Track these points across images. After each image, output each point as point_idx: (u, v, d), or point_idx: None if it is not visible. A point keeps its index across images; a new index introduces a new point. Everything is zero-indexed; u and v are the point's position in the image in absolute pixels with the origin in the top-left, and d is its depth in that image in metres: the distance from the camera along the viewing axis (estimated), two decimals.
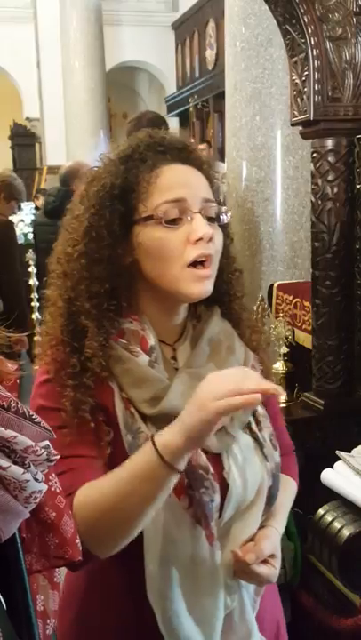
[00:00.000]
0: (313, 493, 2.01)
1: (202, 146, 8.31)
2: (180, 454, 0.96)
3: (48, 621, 0.87)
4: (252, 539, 1.12)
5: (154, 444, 0.96)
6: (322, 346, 2.21)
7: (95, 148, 9.42)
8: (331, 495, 1.88)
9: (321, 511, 1.85)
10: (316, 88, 2.04)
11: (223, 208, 1.16)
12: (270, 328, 2.66)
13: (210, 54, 9.56)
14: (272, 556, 1.11)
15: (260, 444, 1.16)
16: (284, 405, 2.56)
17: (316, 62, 2.03)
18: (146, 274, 1.12)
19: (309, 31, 2.02)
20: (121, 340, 1.11)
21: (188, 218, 1.09)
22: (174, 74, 11.33)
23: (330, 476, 1.87)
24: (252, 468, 1.13)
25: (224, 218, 1.16)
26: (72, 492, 1.02)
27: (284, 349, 2.58)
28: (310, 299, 2.27)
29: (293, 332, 2.59)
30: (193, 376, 1.10)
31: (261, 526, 1.14)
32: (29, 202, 7.81)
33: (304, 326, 2.53)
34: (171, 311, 1.17)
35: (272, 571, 1.10)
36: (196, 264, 1.09)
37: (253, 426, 1.17)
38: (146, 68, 11.94)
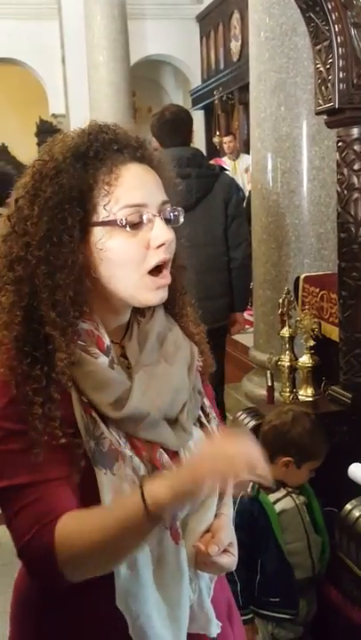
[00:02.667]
0: (341, 488, 1.98)
1: (227, 138, 8.26)
2: (167, 511, 0.97)
3: None
4: (207, 530, 1.12)
5: (144, 500, 0.95)
6: (349, 338, 2.18)
7: None
8: (359, 490, 1.85)
9: (348, 506, 1.83)
10: (341, 76, 2.00)
11: (178, 209, 1.14)
12: (297, 321, 2.63)
13: (235, 46, 9.49)
14: (230, 544, 1.12)
15: (210, 436, 1.17)
16: (311, 399, 2.54)
17: (340, 49, 2.00)
18: (101, 278, 1.09)
19: (333, 18, 1.99)
20: (79, 342, 1.06)
21: (149, 222, 1.07)
22: (199, 67, 11.27)
23: (357, 471, 1.85)
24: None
25: (179, 218, 1.14)
26: (49, 521, 0.99)
27: (311, 342, 2.55)
28: (337, 291, 2.24)
29: (320, 324, 2.56)
30: (149, 375, 1.10)
31: (216, 515, 1.15)
32: None
33: (331, 319, 2.50)
34: (120, 310, 1.15)
35: (232, 559, 1.12)
36: (154, 271, 1.08)
37: (203, 418, 1.19)
38: (170, 62, 11.89)
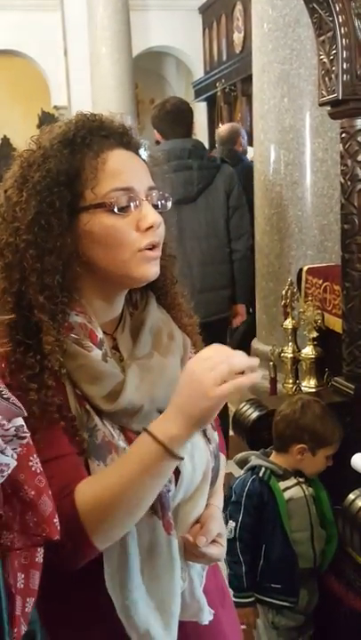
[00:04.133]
0: (344, 479, 1.99)
1: None
2: (185, 443, 0.99)
3: (27, 599, 0.88)
4: (197, 520, 1.13)
5: (157, 439, 0.97)
6: (352, 330, 2.19)
7: None
8: None
9: (351, 496, 1.84)
10: (345, 67, 2.00)
11: (165, 195, 1.14)
12: (300, 312, 2.63)
13: (237, 37, 9.45)
14: (219, 534, 1.14)
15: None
16: (314, 390, 2.54)
17: (344, 40, 1.99)
18: (92, 261, 1.09)
19: (337, 9, 1.98)
20: (72, 334, 1.07)
21: (137, 205, 1.08)
22: (202, 58, 11.23)
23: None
24: (199, 451, 1.14)
25: (166, 205, 1.15)
26: (66, 494, 1.00)
27: (314, 334, 2.55)
28: (340, 282, 2.25)
29: (323, 316, 2.56)
30: (143, 368, 1.10)
31: (206, 505, 1.16)
32: None
33: (334, 310, 2.50)
34: (112, 300, 1.15)
35: (221, 549, 1.14)
36: (145, 248, 1.09)
37: None
38: (173, 53, 11.85)
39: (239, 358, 0.97)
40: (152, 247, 1.10)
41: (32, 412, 1.00)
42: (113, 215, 1.07)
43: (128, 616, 1.07)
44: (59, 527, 0.87)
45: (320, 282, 2.66)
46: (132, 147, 1.14)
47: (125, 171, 1.09)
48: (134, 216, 1.08)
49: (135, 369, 1.10)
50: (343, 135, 2.13)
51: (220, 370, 0.95)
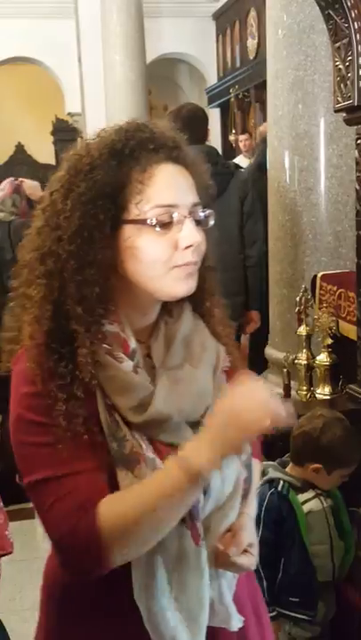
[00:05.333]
0: (359, 488, 1.98)
1: (243, 136, 8.24)
2: (208, 471, 1.00)
3: None
4: (229, 529, 1.13)
5: (187, 468, 0.98)
6: None
7: None
8: None
9: None
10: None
11: (208, 211, 1.14)
12: (314, 319, 2.62)
13: (251, 43, 9.47)
14: (250, 544, 1.13)
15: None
16: (328, 398, 2.53)
17: (360, 47, 1.99)
18: (129, 274, 1.09)
19: (353, 15, 1.98)
20: (104, 345, 1.07)
21: (178, 223, 1.07)
22: (215, 64, 11.26)
23: None
24: (228, 462, 1.12)
25: (209, 221, 1.14)
26: (89, 507, 1.02)
27: (329, 341, 2.54)
28: (355, 289, 2.24)
29: (338, 323, 2.55)
30: (173, 379, 1.10)
31: (238, 514, 1.16)
32: None
33: (349, 317, 2.49)
34: (147, 309, 1.15)
35: (251, 559, 1.13)
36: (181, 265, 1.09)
37: None
38: (186, 60, 11.88)
39: (278, 406, 0.98)
40: (188, 264, 1.09)
41: (58, 422, 1.03)
42: (153, 232, 1.06)
43: (155, 625, 1.07)
44: (11, 540, 0.89)
45: (334, 288, 2.65)
46: (181, 161, 1.12)
47: (170, 187, 1.08)
48: (174, 233, 1.08)
49: (165, 380, 1.10)
50: (358, 141, 2.12)
51: (258, 415, 0.97)
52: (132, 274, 1.09)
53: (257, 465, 1.29)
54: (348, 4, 1.97)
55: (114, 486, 1.04)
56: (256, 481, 1.28)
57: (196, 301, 1.19)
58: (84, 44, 10.33)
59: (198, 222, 1.11)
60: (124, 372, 1.07)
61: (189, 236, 1.07)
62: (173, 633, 1.07)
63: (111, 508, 1.01)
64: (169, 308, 1.18)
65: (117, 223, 1.07)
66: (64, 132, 12.09)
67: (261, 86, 6.66)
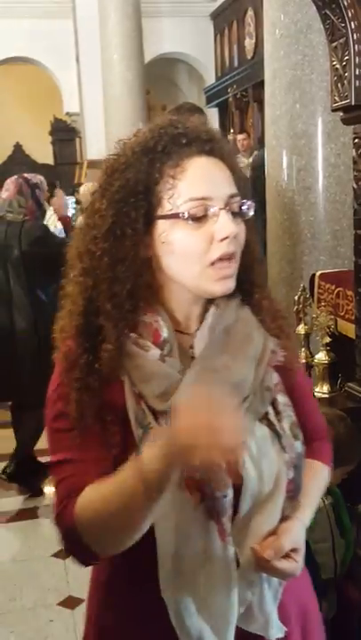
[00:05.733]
0: (359, 485, 1.99)
1: (241, 136, 8.25)
2: (161, 476, 0.95)
3: None
4: (274, 532, 1.09)
5: (140, 474, 0.95)
6: None
7: None
8: None
9: None
10: (358, 72, 2.00)
11: (248, 202, 1.12)
12: (312, 318, 2.63)
13: (249, 43, 9.48)
14: (294, 549, 1.08)
15: (278, 435, 1.12)
16: (327, 396, 2.54)
17: (356, 46, 1.99)
18: (164, 269, 1.10)
19: (349, 15, 1.98)
20: (132, 334, 1.08)
21: (214, 216, 1.07)
22: (213, 64, 11.27)
23: None
24: (268, 460, 1.10)
25: (249, 212, 1.12)
26: (73, 497, 1.04)
27: (327, 339, 2.55)
28: (353, 287, 2.24)
29: (336, 321, 2.55)
30: (205, 368, 1.08)
31: (286, 518, 1.12)
32: (70, 196, 7.87)
33: (347, 316, 2.49)
34: (192, 301, 1.14)
35: (293, 565, 1.08)
36: (218, 262, 1.07)
37: (272, 416, 1.13)
38: (185, 60, 11.90)
39: (229, 432, 0.90)
40: (227, 259, 1.07)
41: (71, 410, 1.07)
42: (187, 226, 1.06)
43: (181, 621, 1.07)
44: None
45: (333, 287, 2.65)
46: (217, 153, 1.10)
47: (203, 180, 1.07)
48: (210, 227, 1.06)
49: (195, 369, 1.08)
50: (356, 140, 2.13)
51: (228, 443, 0.90)
52: (169, 269, 1.09)
53: (320, 470, 1.26)
54: (345, 3, 1.98)
55: None
56: (318, 487, 1.24)
57: (244, 293, 1.17)
58: (82, 44, 10.34)
59: (236, 214, 1.09)
60: (148, 361, 1.07)
61: (224, 227, 1.06)
62: (199, 630, 1.07)
63: (87, 499, 1.03)
64: (216, 301, 1.15)
65: (152, 219, 1.07)
66: (62, 132, 12.11)
67: (259, 86, 6.68)
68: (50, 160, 12.59)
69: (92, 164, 9.83)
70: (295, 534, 1.10)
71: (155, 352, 1.08)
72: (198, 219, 1.06)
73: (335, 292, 2.63)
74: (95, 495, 1.03)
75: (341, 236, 3.45)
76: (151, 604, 1.08)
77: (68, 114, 11.69)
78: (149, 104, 10.80)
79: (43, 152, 12.99)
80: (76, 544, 1.04)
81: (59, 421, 1.10)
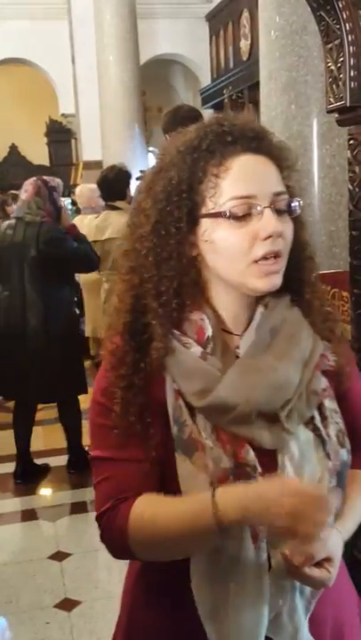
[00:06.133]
0: None
1: None
2: (235, 526, 0.99)
3: None
4: None
5: (216, 512, 0.98)
6: None
7: (130, 142, 9.44)
8: None
9: None
10: (353, 74, 2.00)
11: (296, 199, 1.10)
12: None
13: (244, 45, 9.49)
14: (328, 559, 1.05)
15: (323, 441, 1.10)
16: None
17: (351, 48, 1.99)
18: (210, 268, 1.10)
19: (344, 17, 1.98)
20: (175, 330, 1.09)
21: (258, 214, 1.05)
22: (209, 65, 11.28)
23: None
24: (310, 466, 1.08)
25: (296, 209, 1.10)
26: (125, 498, 1.07)
27: None
28: (349, 288, 2.24)
29: None
30: (248, 368, 1.07)
31: None
32: (66, 197, 7.87)
33: (343, 317, 2.49)
34: (239, 301, 1.12)
35: (325, 574, 1.04)
36: (263, 259, 1.06)
37: (318, 421, 1.11)
38: (180, 61, 11.91)
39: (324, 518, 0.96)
40: (273, 257, 1.06)
41: (115, 408, 1.08)
42: (230, 224, 1.05)
43: (212, 622, 1.06)
44: None
45: (328, 288, 2.66)
46: (264, 150, 1.09)
47: (246, 178, 1.06)
48: (253, 225, 1.05)
49: (237, 368, 1.08)
50: (351, 142, 2.13)
51: (309, 526, 0.95)
52: (214, 268, 1.09)
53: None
54: (340, 5, 1.97)
55: (171, 473, 1.06)
56: (354, 499, 1.19)
57: (294, 293, 1.15)
58: (78, 45, 10.34)
59: (284, 212, 1.08)
60: (189, 358, 1.07)
61: (268, 226, 1.04)
62: (229, 631, 1.06)
63: (144, 512, 1.05)
64: (266, 301, 1.13)
65: (195, 218, 1.08)
66: (58, 134, 12.11)
67: (255, 87, 6.68)
68: (45, 161, 12.59)
69: (88, 166, 9.84)
70: (331, 544, 1.06)
71: (196, 349, 1.08)
72: (241, 217, 1.05)
73: (331, 292, 2.63)
74: (155, 517, 1.05)
75: (337, 236, 3.46)
76: (181, 599, 1.09)
77: (63, 115, 11.68)
78: (145, 105, 10.82)
79: (38, 153, 12.99)
80: (119, 547, 1.09)
81: (102, 418, 1.11)
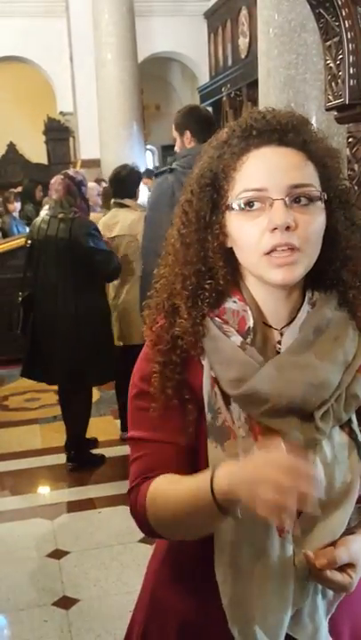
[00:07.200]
0: None
1: None
2: (231, 503, 0.98)
3: None
4: (334, 543, 1.07)
5: (212, 487, 0.98)
6: None
7: (128, 140, 9.44)
8: None
9: None
10: (352, 72, 2.00)
11: (316, 190, 1.06)
12: None
13: (243, 42, 9.48)
14: (350, 565, 1.05)
15: (357, 445, 1.10)
16: None
17: (350, 45, 1.99)
18: (239, 259, 1.12)
19: (343, 14, 1.98)
20: (217, 318, 1.11)
21: (269, 206, 1.05)
22: (207, 63, 11.27)
23: None
24: (341, 467, 1.08)
25: (316, 202, 1.06)
26: (149, 477, 1.11)
27: None
28: None
29: None
30: (287, 363, 1.07)
31: (351, 531, 1.09)
32: None
33: None
34: (274, 294, 1.11)
35: (347, 580, 1.04)
36: (273, 251, 1.05)
37: (355, 425, 1.11)
38: (178, 59, 11.90)
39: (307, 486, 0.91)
40: (288, 249, 1.04)
41: (153, 383, 1.12)
42: (241, 217, 1.07)
43: (234, 611, 1.07)
44: None
45: None
46: (289, 142, 1.07)
47: (260, 171, 1.06)
48: (265, 217, 1.05)
49: (277, 362, 1.07)
50: (350, 140, 2.13)
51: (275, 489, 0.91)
52: (239, 259, 1.12)
53: None
54: (339, 2, 1.97)
55: (201, 461, 1.09)
56: None
57: (339, 292, 1.13)
58: (76, 44, 10.33)
59: (304, 205, 1.05)
60: (228, 346, 1.08)
61: (275, 217, 1.04)
62: (250, 622, 1.06)
63: (159, 490, 1.09)
64: (314, 299, 1.12)
65: (219, 210, 1.11)
66: (56, 132, 12.09)
67: (253, 85, 6.67)
68: (43, 159, 12.57)
69: (86, 164, 9.83)
70: (355, 549, 1.06)
71: (236, 338, 1.09)
72: (249, 210, 1.06)
73: None
74: (166, 493, 1.09)
75: None
76: (205, 585, 1.10)
77: (61, 113, 11.67)
78: (143, 103, 10.80)
79: (36, 151, 12.97)
80: (143, 524, 1.13)
81: (140, 400, 1.15)
